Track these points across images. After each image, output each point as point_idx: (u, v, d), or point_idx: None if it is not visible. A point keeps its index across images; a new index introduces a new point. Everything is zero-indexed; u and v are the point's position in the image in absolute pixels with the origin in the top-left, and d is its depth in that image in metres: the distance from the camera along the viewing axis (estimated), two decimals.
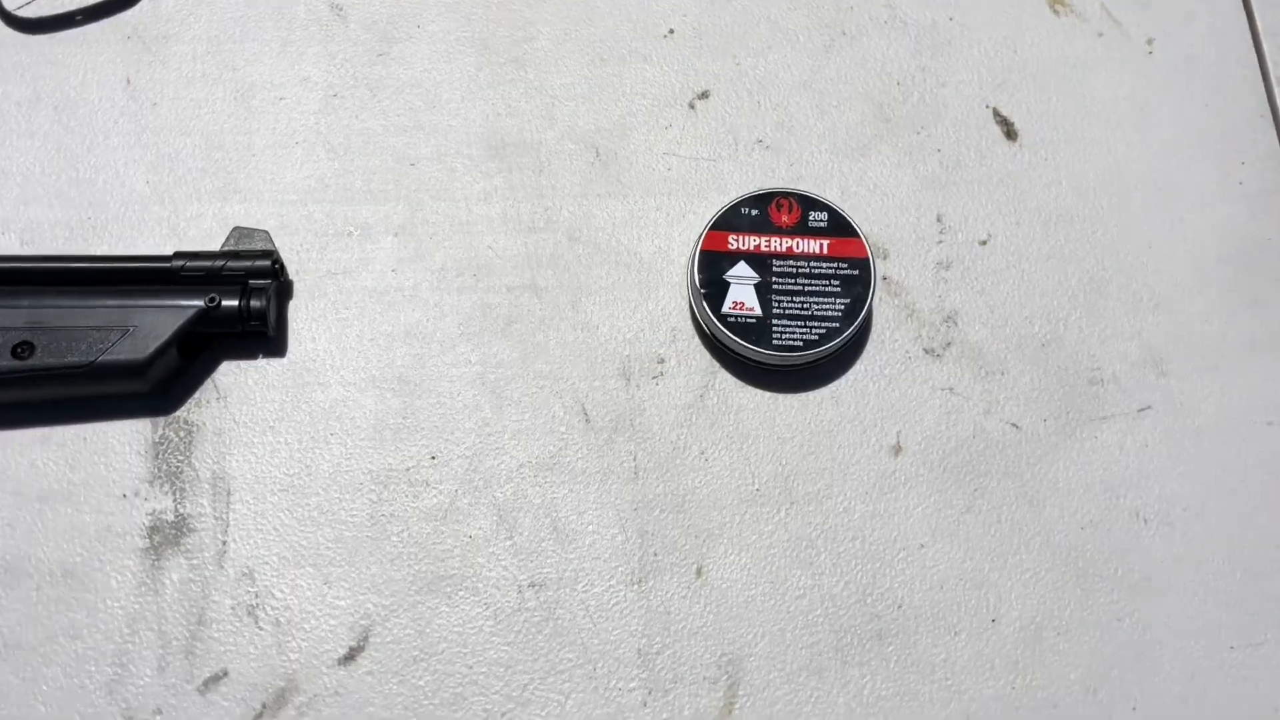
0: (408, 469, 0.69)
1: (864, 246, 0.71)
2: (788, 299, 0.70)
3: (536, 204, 0.75)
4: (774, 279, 0.70)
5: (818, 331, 0.69)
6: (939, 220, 0.75)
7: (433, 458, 0.69)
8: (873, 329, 0.73)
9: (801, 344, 0.69)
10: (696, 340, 0.72)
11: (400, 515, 0.68)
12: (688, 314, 0.72)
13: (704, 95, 0.78)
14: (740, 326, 0.69)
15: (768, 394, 0.71)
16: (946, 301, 0.73)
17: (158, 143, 0.75)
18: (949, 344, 0.73)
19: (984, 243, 0.75)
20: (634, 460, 0.69)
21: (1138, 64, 0.80)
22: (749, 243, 0.71)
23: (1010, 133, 0.78)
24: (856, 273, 0.70)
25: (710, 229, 0.71)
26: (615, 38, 0.79)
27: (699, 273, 0.70)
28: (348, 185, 0.74)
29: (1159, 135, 0.78)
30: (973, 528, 0.69)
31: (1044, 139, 0.77)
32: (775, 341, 0.69)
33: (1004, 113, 0.78)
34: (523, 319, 0.72)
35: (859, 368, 0.72)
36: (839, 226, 0.71)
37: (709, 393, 0.71)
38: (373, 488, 0.68)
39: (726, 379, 0.71)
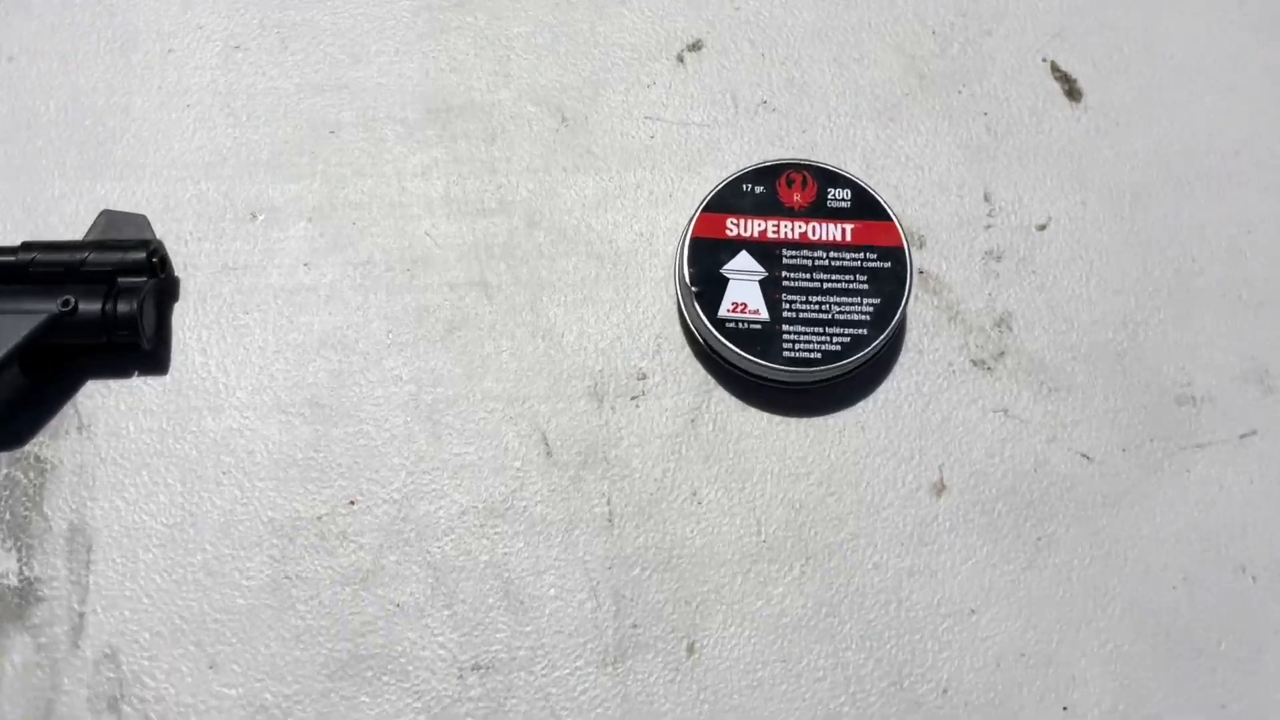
0: (320, 517, 0.54)
1: (897, 232, 0.56)
2: (801, 299, 0.55)
3: (487, 181, 0.60)
4: (784, 274, 0.55)
5: (839, 340, 0.54)
6: (987, 200, 0.61)
7: (352, 503, 0.54)
8: (907, 336, 0.58)
9: (819, 356, 0.54)
10: (687, 351, 0.57)
11: (309, 577, 0.53)
12: (675, 318, 0.58)
13: (695, 46, 0.63)
14: (741, 334, 0.54)
15: (776, 418, 0.57)
16: (998, 301, 0.59)
17: (12, 105, 0.60)
18: (1002, 354, 0.58)
19: (1042, 227, 0.60)
20: (608, 504, 0.55)
21: (1226, 7, 0.65)
22: (752, 228, 0.56)
23: (1072, 91, 0.63)
24: (888, 265, 0.56)
25: (703, 211, 0.56)
26: None
27: (690, 266, 0.55)
28: (251, 158, 0.60)
29: (1254, 94, 0.63)
30: (1036, 588, 0.55)
31: (1113, 99, 0.63)
32: (786, 353, 0.54)
33: (1064, 67, 0.63)
34: (468, 325, 0.57)
35: (891, 385, 0.57)
36: (865, 207, 0.57)
37: (702, 417, 0.56)
38: (274, 542, 0.54)
39: (725, 400, 0.57)
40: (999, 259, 0.60)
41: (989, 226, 0.60)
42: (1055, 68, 0.63)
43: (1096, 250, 0.60)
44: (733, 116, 0.61)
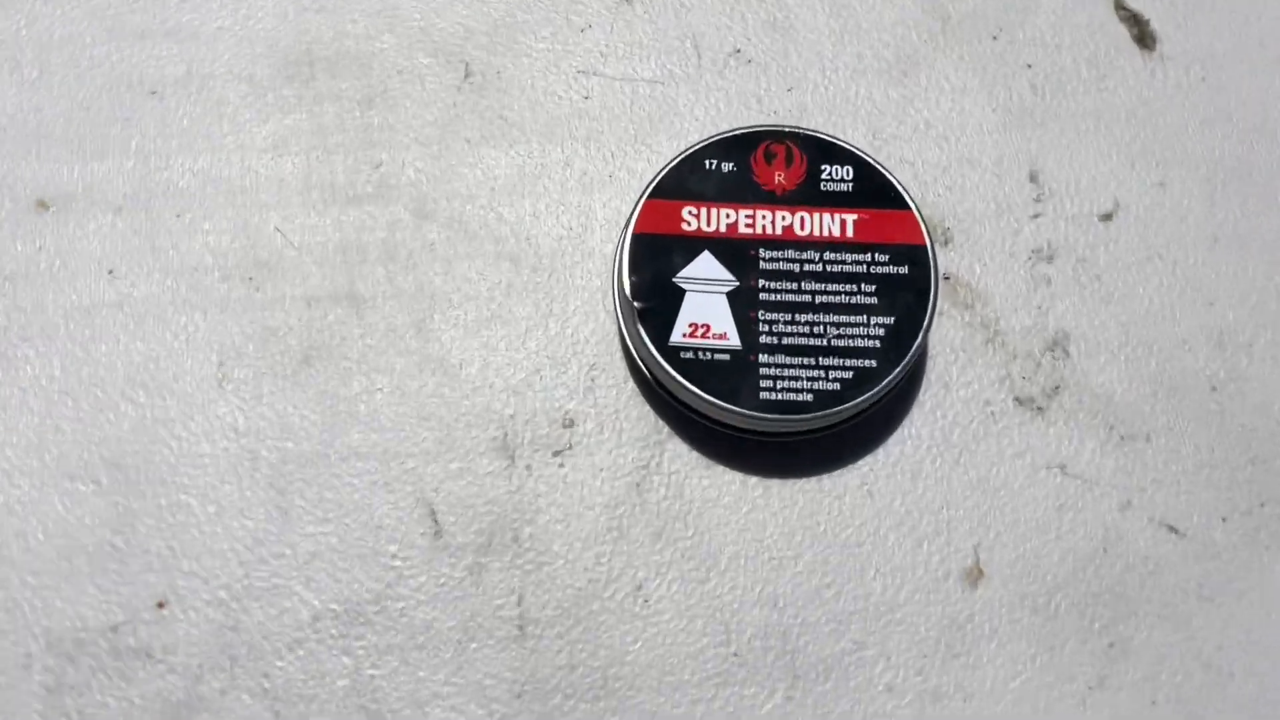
0: (115, 627, 0.39)
1: (916, 225, 0.41)
2: (785, 319, 0.40)
3: (362, 157, 0.44)
4: (762, 282, 0.40)
5: (838, 376, 0.39)
6: (1033, 180, 0.45)
7: (160, 606, 0.39)
8: (929, 365, 0.43)
9: (810, 398, 0.39)
10: (630, 388, 0.42)
11: (96, 714, 0.38)
12: (615, 344, 0.43)
13: None
14: (703, 368, 0.39)
15: (752, 481, 0.41)
16: (1050, 317, 0.44)
17: None
18: (1056, 389, 0.43)
19: (1108, 217, 0.45)
20: (519, 604, 0.40)
21: None
22: (718, 220, 0.41)
23: (1143, 36, 0.48)
24: (904, 270, 0.40)
25: (650, 197, 0.41)
26: None
27: (631, 274, 0.40)
28: (40, 128, 0.44)
29: None
30: (1110, 714, 0.40)
31: (1198, 45, 0.47)
32: (765, 394, 0.39)
33: (1131, 5, 0.48)
34: (331, 354, 0.42)
35: (907, 433, 0.42)
36: (872, 191, 0.41)
37: (651, 480, 0.41)
38: (50, 663, 0.38)
39: (681, 455, 0.41)
40: (1050, 260, 0.44)
41: (1036, 216, 0.45)
42: (1121, 5, 0.48)
43: (1180, 247, 0.45)
44: (694, 70, 0.46)
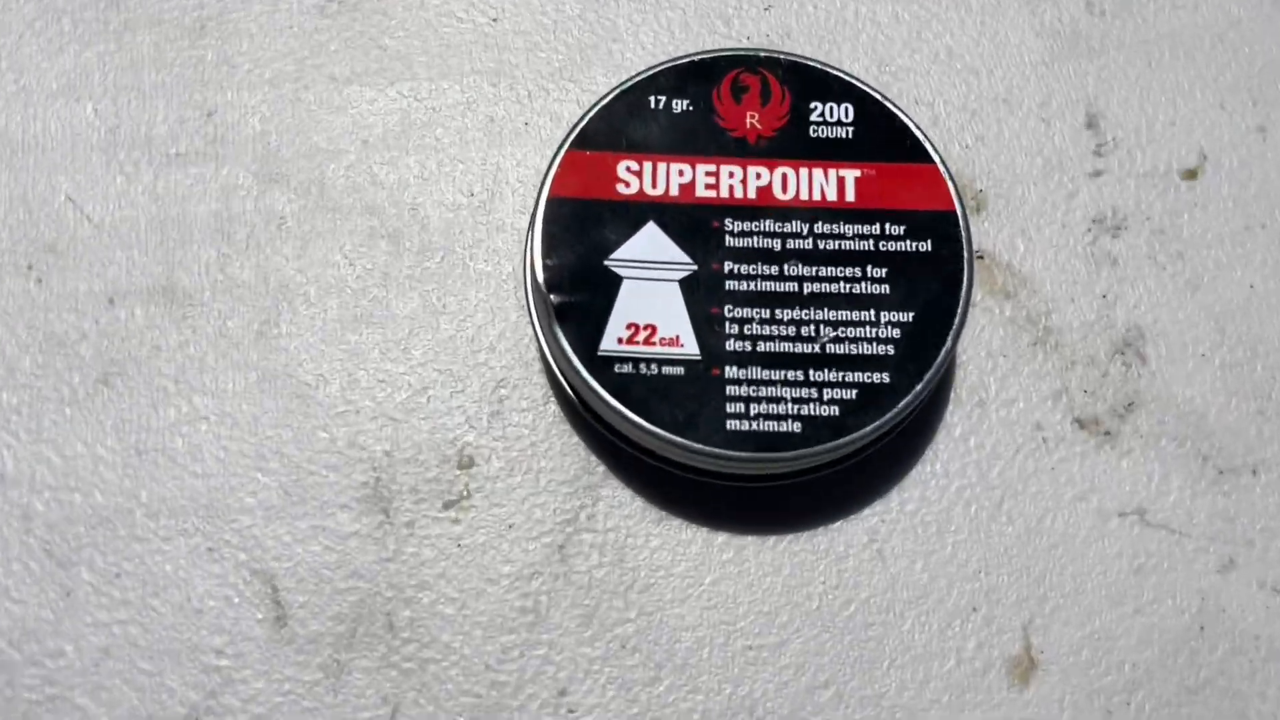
0: None
1: (942, 183, 0.30)
2: (763, 313, 0.28)
3: (189, 102, 0.33)
4: (728, 265, 0.29)
5: (838, 395, 0.28)
6: (1091, 126, 0.34)
7: None
8: (958, 373, 0.32)
9: (797, 426, 0.28)
10: (552, 410, 0.31)
11: None
12: (531, 350, 0.31)
13: None
14: (646, 385, 0.28)
15: (718, 538, 0.30)
16: (1119, 308, 0.32)
17: None
18: (1130, 406, 0.32)
19: (1191, 174, 0.34)
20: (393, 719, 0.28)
21: None
22: (668, 178, 0.29)
23: None
24: (925, 246, 0.29)
25: (571, 147, 0.30)
26: None
27: (546, 255, 0.29)
28: None
29: None
30: None
31: None
32: (734, 423, 0.28)
33: None
34: (139, 370, 0.30)
35: (931, 469, 0.31)
36: (881, 138, 0.30)
37: (579, 539, 0.30)
38: None
39: (621, 502, 0.30)
40: (1117, 230, 0.33)
41: (1097, 174, 0.34)
42: None
43: None
44: None
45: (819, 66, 0.30)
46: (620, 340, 0.28)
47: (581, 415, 0.30)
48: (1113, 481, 0.31)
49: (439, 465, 0.30)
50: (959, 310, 0.29)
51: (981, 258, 0.33)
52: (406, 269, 0.32)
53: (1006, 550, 0.30)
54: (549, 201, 0.29)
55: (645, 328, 0.28)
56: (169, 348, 0.31)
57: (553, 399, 0.31)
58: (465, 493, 0.30)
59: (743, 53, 0.30)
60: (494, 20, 0.34)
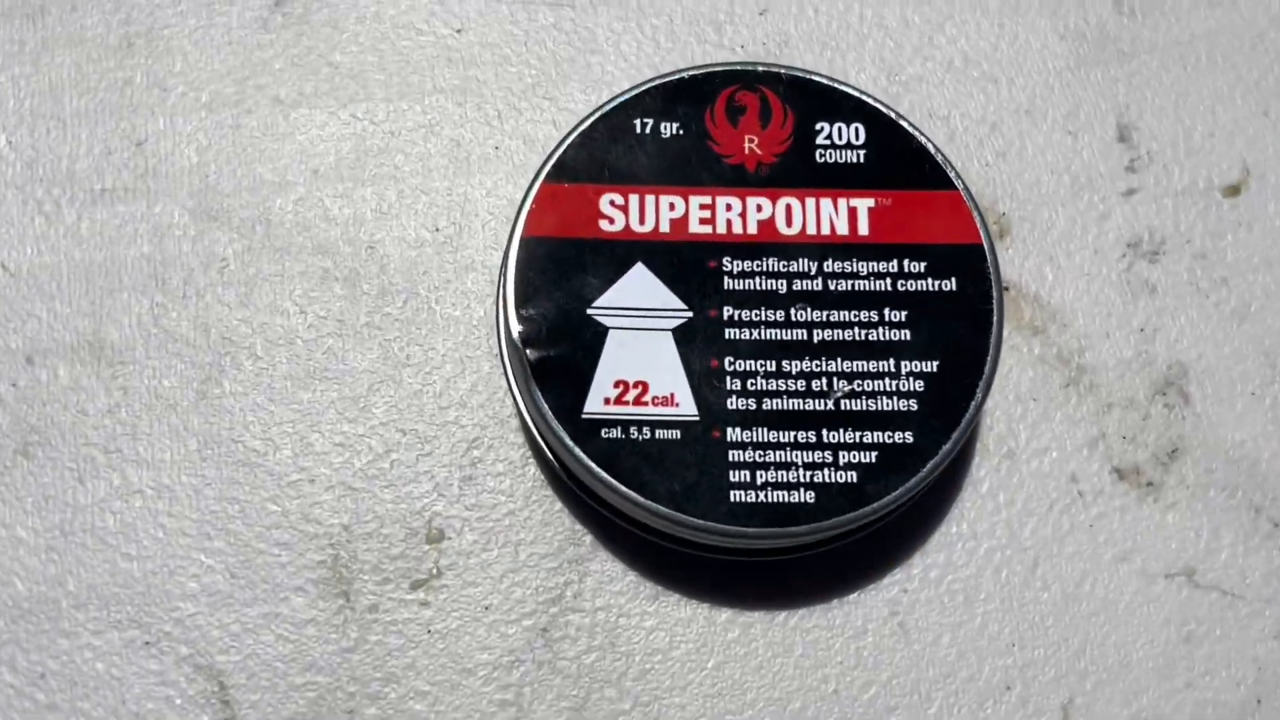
0: None
1: (966, 212, 0.26)
2: (768, 366, 0.25)
3: (116, 130, 0.29)
4: (728, 311, 0.25)
5: (856, 458, 0.25)
6: (1123, 139, 0.31)
7: None
8: (984, 420, 0.28)
9: (811, 496, 0.24)
10: (532, 474, 0.27)
11: None
12: (507, 404, 0.28)
13: None
14: (637, 452, 0.24)
15: (722, 615, 0.27)
16: (1159, 342, 0.29)
17: None
18: (1174, 453, 0.29)
19: (1234, 190, 0.31)
20: None
21: None
22: (658, 213, 0.26)
23: None
24: (949, 285, 0.26)
25: (548, 179, 0.26)
26: None
27: (520, 304, 0.25)
28: None
29: None
30: None
31: None
32: (738, 493, 0.24)
33: None
34: (62, 438, 0.27)
35: (957, 530, 0.28)
36: (897, 162, 0.27)
37: (565, 621, 0.26)
38: None
39: (612, 577, 0.27)
40: (1154, 255, 0.30)
41: (1131, 192, 0.30)
42: None
43: None
44: None
45: (825, 82, 0.27)
46: (607, 400, 0.25)
47: (562, 479, 0.26)
48: (1157, 539, 0.28)
49: (405, 540, 0.27)
50: (989, 356, 0.25)
51: (1007, 289, 0.29)
52: (364, 316, 0.28)
53: (1042, 620, 0.27)
54: (523, 242, 0.26)
55: (635, 385, 0.25)
56: (97, 412, 0.27)
57: (532, 460, 0.27)
58: (435, 570, 0.27)
59: (738, 67, 0.27)
60: (458, 31, 0.30)
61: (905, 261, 0.26)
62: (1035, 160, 0.30)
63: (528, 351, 0.25)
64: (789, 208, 0.26)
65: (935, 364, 0.25)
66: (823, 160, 0.26)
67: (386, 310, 0.28)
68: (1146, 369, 0.29)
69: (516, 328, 0.25)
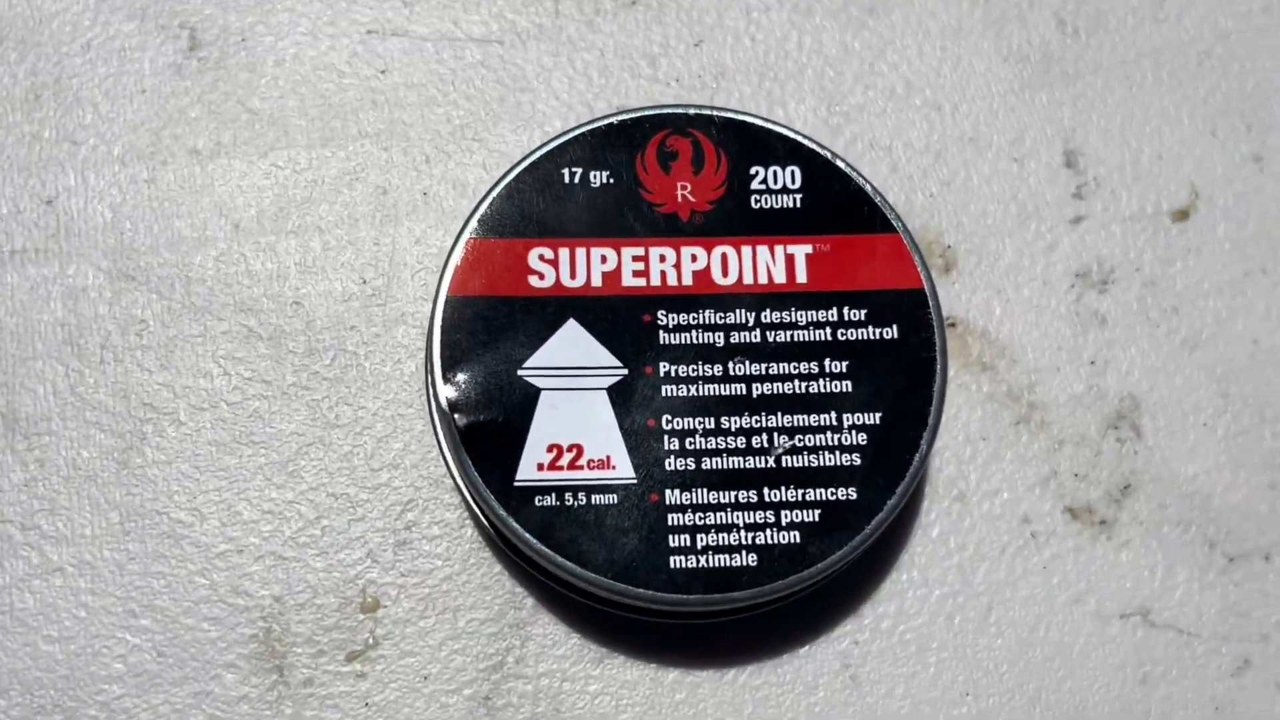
0: None
1: (905, 255, 0.26)
2: (706, 423, 0.24)
3: (24, 187, 0.28)
4: (664, 367, 0.25)
5: (799, 517, 0.24)
6: (1070, 164, 0.30)
7: None
8: (933, 459, 0.28)
9: (753, 558, 0.24)
10: (469, 535, 0.27)
11: None
12: (441, 465, 0.27)
13: None
14: (573, 519, 0.24)
15: (669, 675, 0.26)
16: (1109, 374, 0.29)
17: None
18: (1126, 489, 0.28)
19: (1182, 215, 0.30)
20: None
21: None
22: (588, 266, 0.25)
23: None
24: (891, 333, 0.25)
25: (478, 235, 0.25)
26: None
27: (447, 368, 0.24)
28: None
29: None
30: None
31: None
32: (678, 559, 0.24)
33: None
34: None
35: (908, 578, 0.27)
36: (834, 204, 0.26)
37: (507, 688, 0.26)
38: None
39: (555, 640, 0.26)
40: (1104, 285, 0.29)
41: (1078, 220, 0.30)
42: None
43: None
44: (549, 20, 0.30)
45: (759, 123, 0.26)
46: (540, 466, 0.24)
47: (499, 544, 0.26)
48: (1111, 578, 0.27)
49: (339, 609, 0.26)
50: (933, 406, 0.25)
51: (954, 325, 0.29)
52: (291, 375, 0.27)
53: (996, 667, 0.27)
54: (448, 302, 0.25)
55: (570, 448, 0.24)
56: (11, 487, 0.26)
57: (469, 521, 0.27)
58: (372, 640, 0.26)
59: (669, 111, 0.26)
60: (382, 72, 0.29)
61: (845, 309, 0.25)
62: (981, 190, 0.30)
63: (456, 418, 0.24)
64: (724, 257, 0.25)
65: (878, 416, 0.25)
66: (758, 206, 0.26)
67: (314, 369, 0.27)
68: (1098, 403, 0.28)
69: (444, 394, 0.24)
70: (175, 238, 0.28)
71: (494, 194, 0.25)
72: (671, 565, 0.23)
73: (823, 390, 0.25)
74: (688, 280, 0.25)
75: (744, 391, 0.25)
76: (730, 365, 0.25)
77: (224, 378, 0.27)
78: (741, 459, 0.24)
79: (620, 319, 0.25)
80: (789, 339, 0.25)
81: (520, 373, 0.24)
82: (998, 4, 0.31)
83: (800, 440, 0.24)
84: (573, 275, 0.25)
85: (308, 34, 0.29)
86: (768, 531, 0.24)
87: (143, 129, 0.28)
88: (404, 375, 0.27)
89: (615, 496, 0.24)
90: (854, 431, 0.24)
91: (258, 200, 0.28)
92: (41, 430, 0.26)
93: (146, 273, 0.27)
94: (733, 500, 0.24)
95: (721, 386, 0.25)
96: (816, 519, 0.24)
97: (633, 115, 0.26)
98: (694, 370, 0.25)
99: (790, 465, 0.24)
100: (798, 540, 0.24)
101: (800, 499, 0.24)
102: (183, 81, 0.29)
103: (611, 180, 0.26)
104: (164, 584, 0.26)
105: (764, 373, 0.25)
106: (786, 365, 0.25)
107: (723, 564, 0.24)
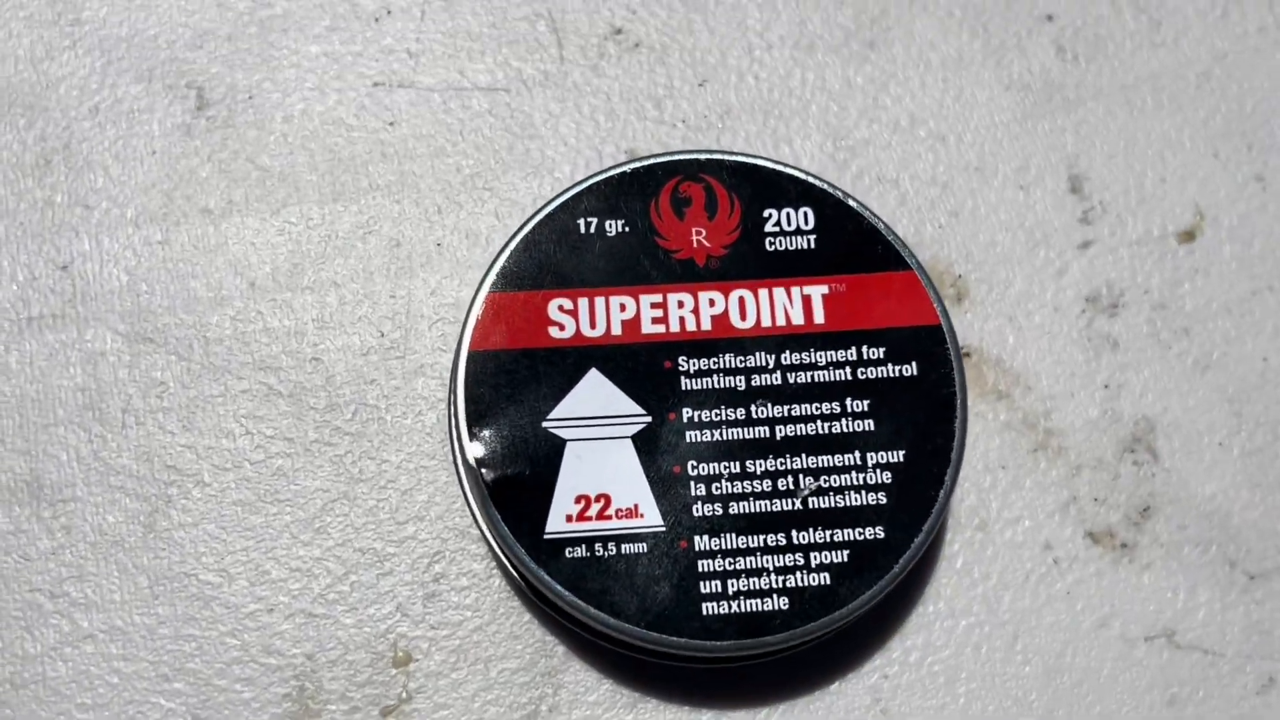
0: None
1: (921, 292, 0.26)
2: (732, 467, 0.24)
3: (38, 253, 0.28)
4: (688, 413, 0.25)
5: (827, 559, 0.24)
6: (1075, 190, 0.30)
7: None
8: (955, 490, 0.28)
9: (784, 602, 0.24)
10: (497, 585, 0.27)
11: None
12: (467, 515, 0.27)
13: None
14: (604, 569, 0.24)
15: (703, 716, 0.26)
16: (1124, 398, 0.29)
17: None
18: (1145, 511, 0.28)
19: (1188, 236, 0.30)
20: None
21: None
22: (608, 316, 0.25)
23: None
24: (910, 369, 0.25)
25: (492, 289, 0.25)
26: None
27: (472, 425, 0.24)
28: None
29: None
30: None
31: None
32: (710, 605, 0.24)
33: None
34: (4, 585, 0.26)
35: (934, 609, 0.27)
36: (848, 244, 0.26)
37: None
38: None
39: (587, 687, 0.26)
40: (1114, 309, 0.30)
41: (1086, 245, 0.30)
42: None
43: None
44: (554, 66, 0.30)
45: (770, 166, 0.26)
46: (569, 518, 0.24)
47: (530, 597, 0.26)
48: (1135, 601, 0.28)
49: (371, 665, 0.26)
50: (955, 442, 0.25)
51: (969, 355, 0.29)
52: (313, 432, 0.27)
53: (1025, 695, 0.27)
54: (471, 357, 0.25)
55: (598, 499, 0.24)
56: (39, 555, 0.26)
57: (496, 571, 0.27)
58: (405, 695, 0.26)
59: (681, 157, 0.26)
60: (390, 125, 0.29)
61: (864, 348, 0.25)
62: (989, 218, 0.30)
63: (484, 473, 0.24)
64: (742, 300, 0.25)
65: (901, 454, 0.25)
66: (773, 249, 0.26)
67: (335, 424, 0.27)
68: (1113, 427, 0.29)
69: (471, 450, 0.24)
70: (191, 298, 0.28)
71: (511, 246, 0.25)
72: (704, 612, 0.24)
73: (845, 430, 0.25)
74: (706, 325, 0.25)
75: (767, 434, 0.25)
76: (753, 408, 0.25)
77: (246, 437, 0.27)
78: (768, 502, 0.24)
79: (641, 366, 0.25)
80: (810, 380, 0.25)
81: (545, 424, 0.24)
82: (997, 34, 0.31)
83: (826, 481, 0.25)
84: (592, 325, 0.25)
85: (315, 89, 0.29)
86: (798, 574, 0.24)
87: (154, 190, 0.29)
88: (425, 427, 0.27)
89: (645, 545, 0.24)
90: (878, 470, 0.25)
91: (272, 257, 0.28)
92: (66, 497, 0.26)
93: (164, 334, 0.28)
94: (762, 544, 0.24)
95: (745, 430, 0.25)
96: (846, 559, 0.24)
97: (645, 163, 0.26)
98: (717, 415, 0.25)
99: (817, 506, 0.24)
100: (828, 582, 0.24)
101: (829, 540, 0.24)
102: (192, 141, 0.29)
103: (627, 228, 0.26)
104: (195, 646, 0.26)
105: (786, 414, 0.25)
106: (808, 406, 0.25)
107: (754, 608, 0.24)
